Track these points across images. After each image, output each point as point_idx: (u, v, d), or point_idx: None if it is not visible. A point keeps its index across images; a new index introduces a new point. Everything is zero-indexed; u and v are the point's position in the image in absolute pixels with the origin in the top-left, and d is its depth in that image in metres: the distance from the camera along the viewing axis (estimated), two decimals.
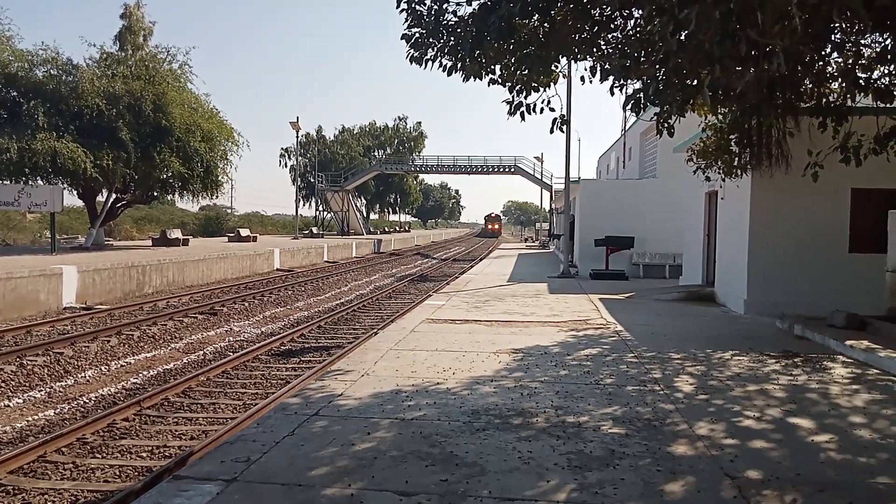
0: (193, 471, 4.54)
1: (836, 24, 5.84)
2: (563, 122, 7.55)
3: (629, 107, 6.58)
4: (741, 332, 10.58)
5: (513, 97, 7.40)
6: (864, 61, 6.78)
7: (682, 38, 4.96)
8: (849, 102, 7.03)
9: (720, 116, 10.36)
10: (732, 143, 11.25)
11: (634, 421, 5.61)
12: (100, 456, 6.80)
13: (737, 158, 11.42)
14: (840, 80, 7.09)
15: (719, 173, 11.76)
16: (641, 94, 6.46)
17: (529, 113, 7.44)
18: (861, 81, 6.46)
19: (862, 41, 6.74)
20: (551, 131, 7.79)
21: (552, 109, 7.52)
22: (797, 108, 7.57)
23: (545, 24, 6.73)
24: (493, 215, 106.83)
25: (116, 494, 5.66)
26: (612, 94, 6.78)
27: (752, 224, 12.38)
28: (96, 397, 8.98)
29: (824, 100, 7.42)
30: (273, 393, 8.94)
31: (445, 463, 4.61)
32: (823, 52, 6.50)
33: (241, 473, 4.42)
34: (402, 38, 7.04)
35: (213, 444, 6.41)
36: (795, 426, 5.57)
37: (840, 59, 7.09)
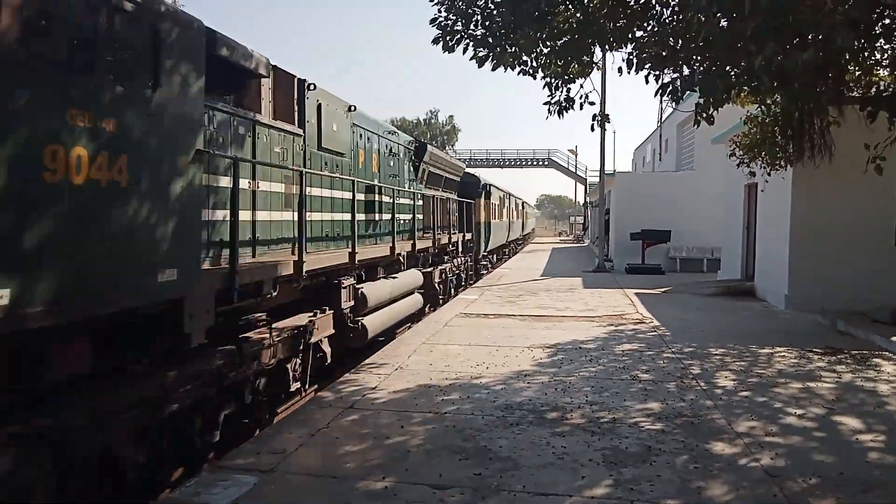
0: (231, 461, 4.61)
1: (885, 10, 5.63)
2: (604, 119, 7.47)
3: (666, 95, 6.45)
4: (782, 327, 10.32)
5: (549, 89, 7.33)
6: None
7: (724, 23, 4.83)
8: None
9: (762, 108, 10.08)
10: (777, 135, 10.93)
11: (672, 417, 5.51)
12: None
13: (781, 150, 11.08)
14: (889, 67, 6.84)
15: (764, 166, 11.43)
16: (679, 82, 6.32)
17: (569, 109, 7.37)
18: None
19: None
20: (592, 129, 7.72)
21: (591, 104, 7.44)
22: (844, 97, 7.32)
23: (579, 13, 6.64)
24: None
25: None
26: (648, 82, 6.67)
27: (793, 217, 12.05)
28: None
29: (874, 88, 7.16)
30: None
31: (479, 457, 4.59)
32: (870, 38, 6.26)
33: (277, 465, 4.47)
34: (430, 23, 7.01)
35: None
36: (839, 424, 5.41)
37: (888, 47, 6.84)
